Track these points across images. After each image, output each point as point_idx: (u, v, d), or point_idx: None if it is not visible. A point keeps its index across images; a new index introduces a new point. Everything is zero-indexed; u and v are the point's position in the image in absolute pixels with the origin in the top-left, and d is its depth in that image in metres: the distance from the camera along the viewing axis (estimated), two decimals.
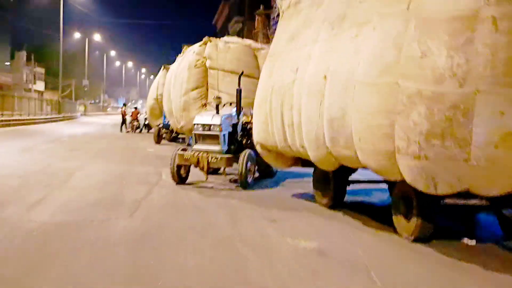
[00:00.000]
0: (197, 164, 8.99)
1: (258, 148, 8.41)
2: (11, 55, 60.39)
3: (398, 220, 5.89)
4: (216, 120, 9.23)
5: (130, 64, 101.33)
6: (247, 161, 9.04)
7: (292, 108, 6.88)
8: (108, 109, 78.80)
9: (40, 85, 64.40)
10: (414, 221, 5.54)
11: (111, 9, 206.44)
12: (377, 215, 6.91)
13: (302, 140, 6.71)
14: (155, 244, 5.23)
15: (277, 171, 10.66)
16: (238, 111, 9.83)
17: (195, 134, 9.41)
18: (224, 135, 9.28)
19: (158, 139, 19.89)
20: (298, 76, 6.80)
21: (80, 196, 7.71)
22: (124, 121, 27.79)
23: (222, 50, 13.34)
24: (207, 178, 9.12)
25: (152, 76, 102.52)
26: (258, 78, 13.30)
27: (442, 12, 4.54)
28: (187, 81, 13.52)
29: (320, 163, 6.60)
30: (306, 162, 7.87)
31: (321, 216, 6.88)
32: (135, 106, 37.46)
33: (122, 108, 29.36)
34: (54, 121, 37.78)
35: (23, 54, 60.98)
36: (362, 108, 5.22)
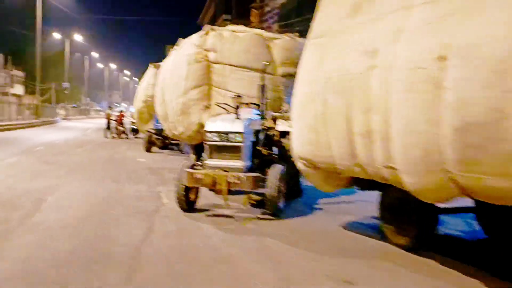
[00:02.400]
0: (213, 186, 6.61)
1: (300, 165, 6.05)
2: None
3: None
4: (238, 127, 6.79)
5: (112, 66, 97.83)
6: (280, 181, 6.72)
7: (370, 109, 4.56)
8: (91, 113, 75.67)
9: (18, 89, 61.16)
10: None
11: (92, 9, 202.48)
12: (485, 262, 4.91)
13: (389, 157, 4.38)
14: None
15: (304, 188, 8.40)
16: (263, 115, 7.47)
17: (208, 145, 6.95)
18: (247, 146, 6.89)
19: (149, 146, 17.41)
20: (379, 62, 4.48)
21: (48, 244, 5.18)
22: (108, 126, 25.28)
23: (229, 41, 10.75)
24: (228, 205, 6.72)
25: (135, 78, 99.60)
26: (272, 74, 11.11)
27: None
28: (185, 79, 10.87)
29: (424, 192, 4.25)
30: (362, 183, 5.63)
31: (413, 271, 4.61)
32: (120, 109, 34.71)
33: (106, 111, 26.69)
34: (32, 126, 34.88)
35: None
36: None
